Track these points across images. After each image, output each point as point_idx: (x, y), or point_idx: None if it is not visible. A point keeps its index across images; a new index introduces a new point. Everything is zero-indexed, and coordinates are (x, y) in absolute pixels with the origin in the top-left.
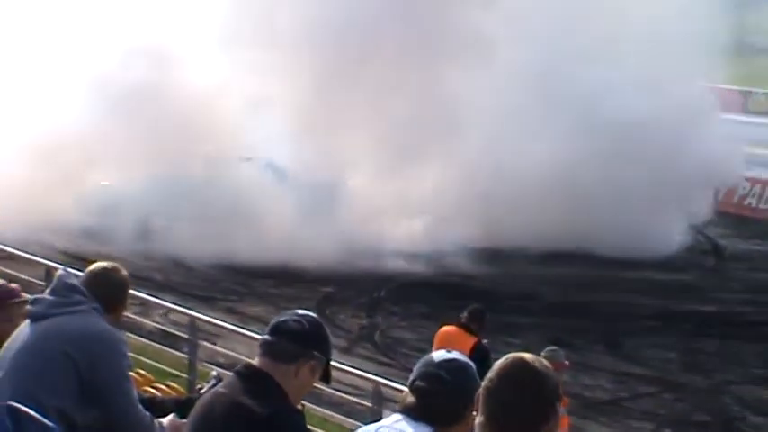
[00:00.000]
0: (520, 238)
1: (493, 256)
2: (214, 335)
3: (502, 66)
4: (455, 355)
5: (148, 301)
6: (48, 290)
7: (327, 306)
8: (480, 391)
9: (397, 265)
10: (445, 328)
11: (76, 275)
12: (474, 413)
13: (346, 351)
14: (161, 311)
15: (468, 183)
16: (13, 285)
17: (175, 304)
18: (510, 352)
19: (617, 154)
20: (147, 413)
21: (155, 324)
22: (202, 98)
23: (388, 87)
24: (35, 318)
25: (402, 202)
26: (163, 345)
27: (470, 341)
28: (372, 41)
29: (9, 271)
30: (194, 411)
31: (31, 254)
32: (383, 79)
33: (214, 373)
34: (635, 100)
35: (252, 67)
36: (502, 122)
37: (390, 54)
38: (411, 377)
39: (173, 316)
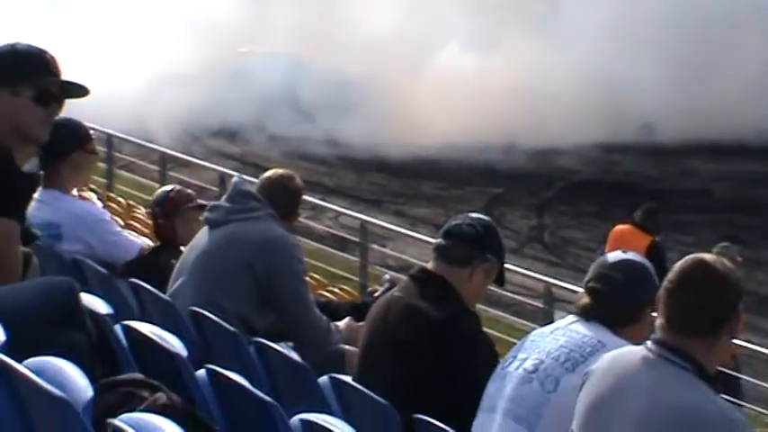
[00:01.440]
0: (674, 131)
1: (657, 151)
2: (384, 238)
3: None
4: (630, 255)
5: (319, 205)
6: (224, 197)
7: (496, 207)
8: (660, 292)
9: (566, 164)
10: (619, 228)
11: (251, 182)
12: (652, 314)
13: (516, 252)
14: (331, 215)
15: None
16: (189, 190)
17: (345, 208)
18: (682, 250)
19: None
20: (324, 317)
21: (325, 228)
22: None
23: None
24: (213, 224)
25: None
26: (334, 249)
27: (646, 240)
28: None
29: (183, 177)
30: (370, 315)
31: (203, 159)
32: None
33: (387, 276)
34: None
35: None
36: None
37: None
38: (586, 278)
39: (343, 220)
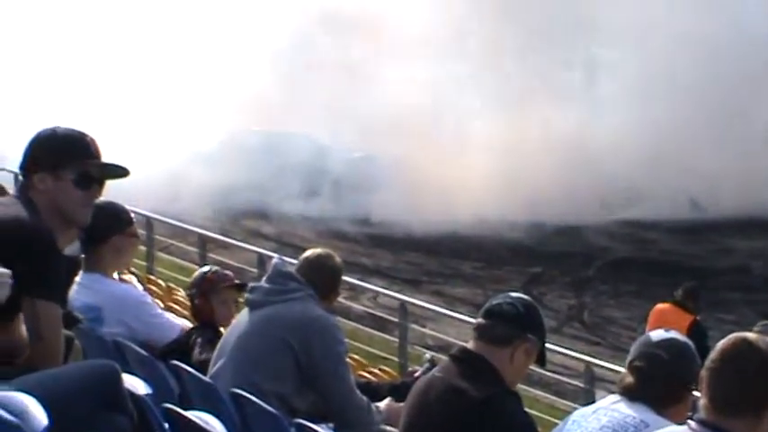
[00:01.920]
0: (716, 207)
1: (693, 228)
2: (423, 318)
3: None
4: (674, 334)
5: (358, 285)
6: (264, 278)
7: (535, 286)
8: (703, 372)
9: (600, 241)
10: (660, 306)
11: (291, 263)
12: (695, 393)
13: (555, 331)
14: (370, 295)
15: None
16: (226, 271)
17: (384, 288)
18: (723, 328)
19: None
20: (365, 398)
21: (364, 308)
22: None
23: None
24: (253, 306)
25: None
26: (373, 329)
27: (687, 319)
28: None
29: (222, 258)
30: (411, 395)
31: (242, 241)
32: None
33: (427, 356)
34: None
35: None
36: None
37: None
38: (629, 357)
39: (382, 300)
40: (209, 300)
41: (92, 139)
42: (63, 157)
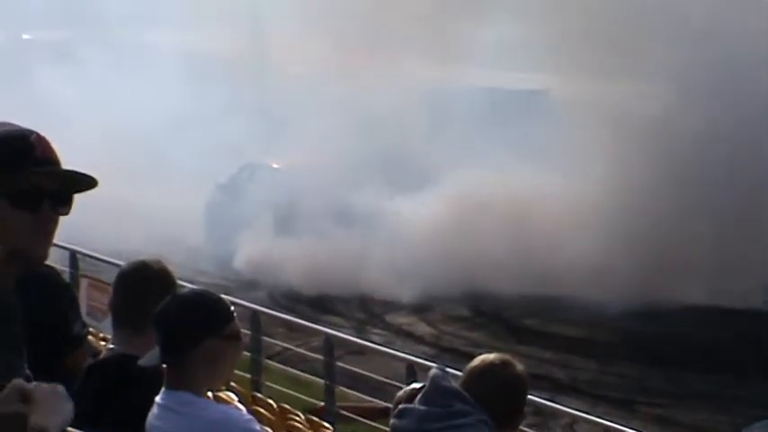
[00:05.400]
0: None
1: None
2: None
3: None
4: None
5: (547, 407)
6: (418, 397)
7: None
8: None
9: None
10: None
11: (454, 375)
12: None
13: None
14: (564, 422)
15: None
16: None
17: (583, 412)
18: None
19: None
20: None
21: None
22: None
23: None
24: None
25: None
26: None
27: None
28: None
29: (357, 369)
30: None
31: (389, 347)
32: None
33: None
34: None
35: None
36: None
37: None
38: None
39: (580, 428)
40: None
41: (39, 139)
42: None
